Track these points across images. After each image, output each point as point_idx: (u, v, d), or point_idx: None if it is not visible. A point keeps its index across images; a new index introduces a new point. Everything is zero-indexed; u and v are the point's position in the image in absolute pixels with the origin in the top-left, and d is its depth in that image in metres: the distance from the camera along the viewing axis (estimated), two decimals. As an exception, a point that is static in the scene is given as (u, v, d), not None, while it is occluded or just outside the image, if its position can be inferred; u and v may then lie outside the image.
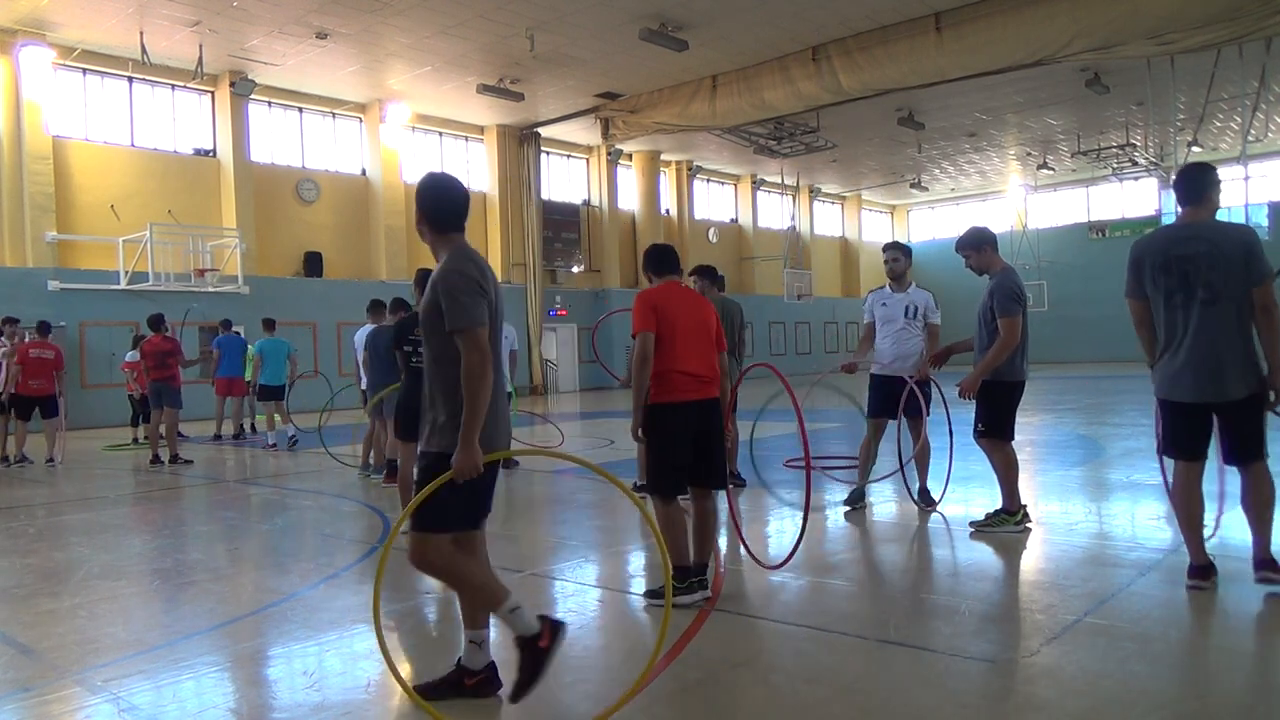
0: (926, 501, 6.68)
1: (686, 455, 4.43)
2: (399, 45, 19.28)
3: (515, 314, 25.80)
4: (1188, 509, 4.35)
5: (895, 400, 6.60)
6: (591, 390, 27.90)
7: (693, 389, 4.45)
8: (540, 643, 3.16)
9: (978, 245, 5.88)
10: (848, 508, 6.86)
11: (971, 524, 5.93)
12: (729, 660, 3.75)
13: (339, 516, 7.63)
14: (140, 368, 12.59)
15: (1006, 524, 5.76)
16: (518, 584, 5.10)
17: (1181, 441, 4.36)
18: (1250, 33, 15.29)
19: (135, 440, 14.52)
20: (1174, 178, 4.47)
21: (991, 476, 5.96)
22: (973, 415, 5.92)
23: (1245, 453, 4.25)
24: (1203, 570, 4.34)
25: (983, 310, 5.80)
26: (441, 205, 3.35)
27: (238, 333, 15.69)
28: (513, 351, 9.90)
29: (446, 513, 3.19)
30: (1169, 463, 4.55)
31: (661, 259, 4.83)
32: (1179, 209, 4.43)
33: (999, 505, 5.88)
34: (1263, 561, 4.25)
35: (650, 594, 4.57)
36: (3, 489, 9.88)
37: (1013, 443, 5.81)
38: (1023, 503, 5.89)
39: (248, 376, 14.66)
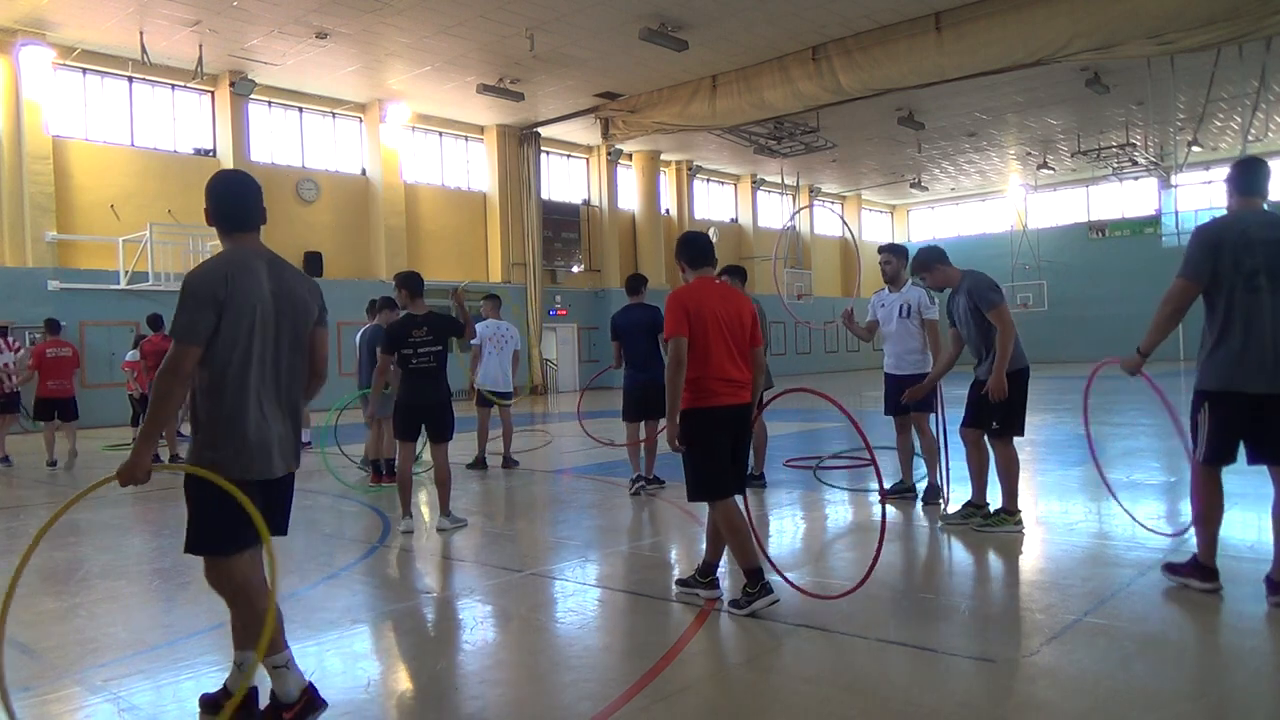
0: (934, 498, 6.70)
1: (727, 459, 4.35)
2: (399, 45, 19.27)
3: (515, 314, 25.78)
4: (1216, 511, 4.26)
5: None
6: (592, 390, 27.89)
7: (728, 394, 4.31)
8: (285, 714, 3.00)
9: (928, 266, 5.93)
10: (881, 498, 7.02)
11: (961, 520, 5.92)
12: (729, 660, 3.75)
13: (339, 516, 7.63)
14: (140, 367, 12.55)
15: (1006, 524, 5.76)
16: (518, 584, 5.10)
17: (1227, 443, 4.16)
18: (1250, 33, 15.29)
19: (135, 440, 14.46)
20: (1230, 169, 4.35)
21: (992, 475, 5.97)
22: (964, 413, 5.94)
23: None
24: (1214, 573, 4.32)
25: (961, 314, 5.81)
26: (212, 205, 3.20)
27: None
28: (515, 352, 9.93)
29: (199, 533, 3.07)
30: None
31: (697, 250, 4.56)
32: (1233, 199, 4.30)
33: (998, 504, 5.90)
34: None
35: (681, 583, 4.65)
36: (2, 489, 9.88)
37: (1015, 441, 5.82)
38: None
39: None
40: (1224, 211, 4.44)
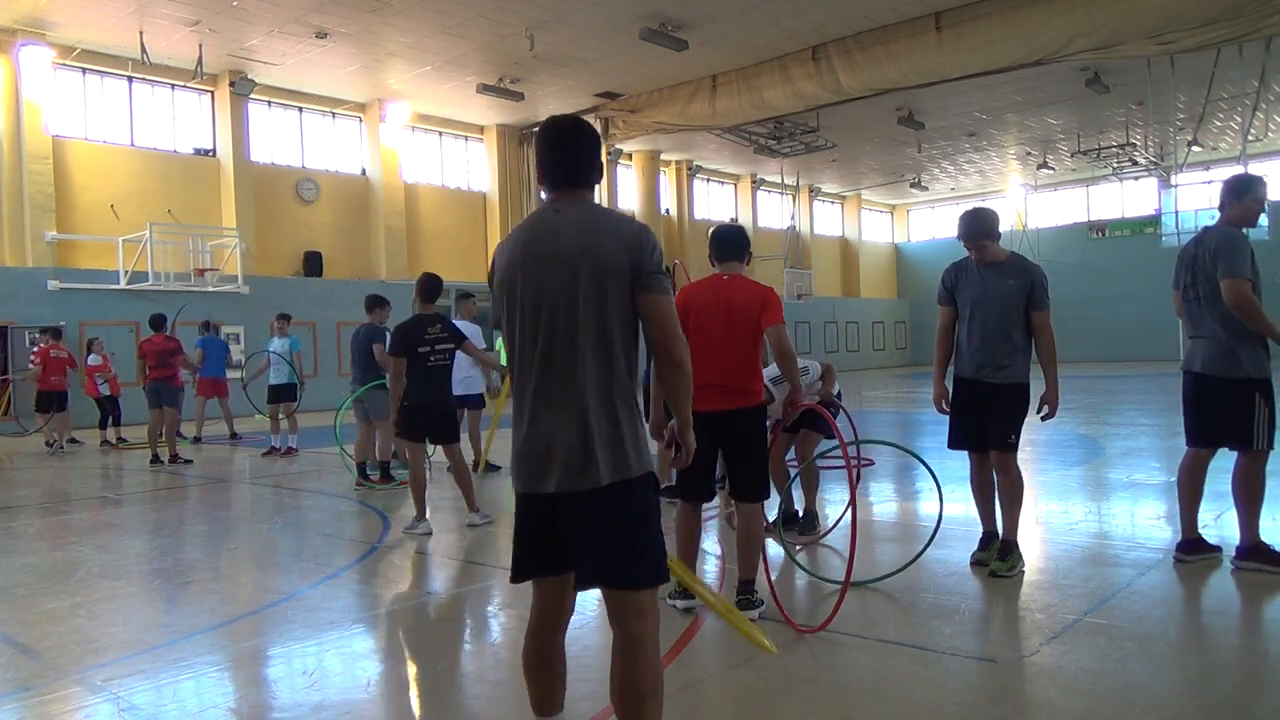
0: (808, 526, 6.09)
1: (703, 458, 4.13)
2: (399, 45, 19.27)
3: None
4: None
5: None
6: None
7: (708, 399, 3.97)
8: None
9: (990, 234, 5.09)
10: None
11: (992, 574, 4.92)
12: (729, 660, 3.75)
13: (339, 516, 7.63)
14: (107, 370, 14.32)
15: (1021, 562, 4.91)
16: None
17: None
18: (1250, 32, 15.29)
19: (105, 442, 14.09)
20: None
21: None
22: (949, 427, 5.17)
23: None
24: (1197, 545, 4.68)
25: (995, 295, 5.06)
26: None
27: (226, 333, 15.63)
28: (486, 353, 9.82)
29: None
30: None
31: (714, 243, 4.23)
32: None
33: (1003, 536, 4.93)
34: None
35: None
36: (2, 489, 9.89)
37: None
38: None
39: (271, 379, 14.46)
40: (1217, 213, 4.62)
